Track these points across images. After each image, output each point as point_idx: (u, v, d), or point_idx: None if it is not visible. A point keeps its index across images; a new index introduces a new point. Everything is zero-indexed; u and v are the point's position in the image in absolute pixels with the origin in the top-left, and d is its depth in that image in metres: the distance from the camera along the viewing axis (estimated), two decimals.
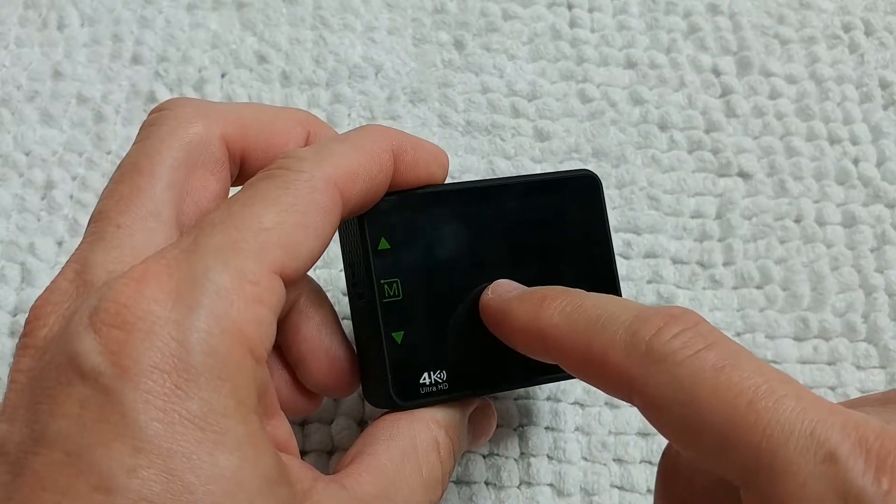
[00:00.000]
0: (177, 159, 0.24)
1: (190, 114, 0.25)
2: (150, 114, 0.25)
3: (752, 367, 0.20)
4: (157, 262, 0.20)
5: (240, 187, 0.23)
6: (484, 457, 0.33)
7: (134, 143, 0.24)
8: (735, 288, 0.38)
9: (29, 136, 0.39)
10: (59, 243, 0.37)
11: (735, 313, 0.37)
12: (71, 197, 0.38)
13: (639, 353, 0.21)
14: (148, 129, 0.24)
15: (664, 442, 0.23)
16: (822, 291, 0.37)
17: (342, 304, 0.35)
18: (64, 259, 0.32)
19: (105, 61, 0.41)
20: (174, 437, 0.18)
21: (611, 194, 0.39)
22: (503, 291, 0.26)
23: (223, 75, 0.41)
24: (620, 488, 0.33)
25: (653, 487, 0.30)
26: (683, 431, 0.20)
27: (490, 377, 0.27)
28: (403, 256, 0.26)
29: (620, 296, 0.29)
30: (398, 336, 0.26)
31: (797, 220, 0.39)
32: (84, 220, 0.36)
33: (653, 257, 0.38)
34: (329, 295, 0.28)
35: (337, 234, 0.26)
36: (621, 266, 0.37)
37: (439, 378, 0.26)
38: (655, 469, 0.29)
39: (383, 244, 0.26)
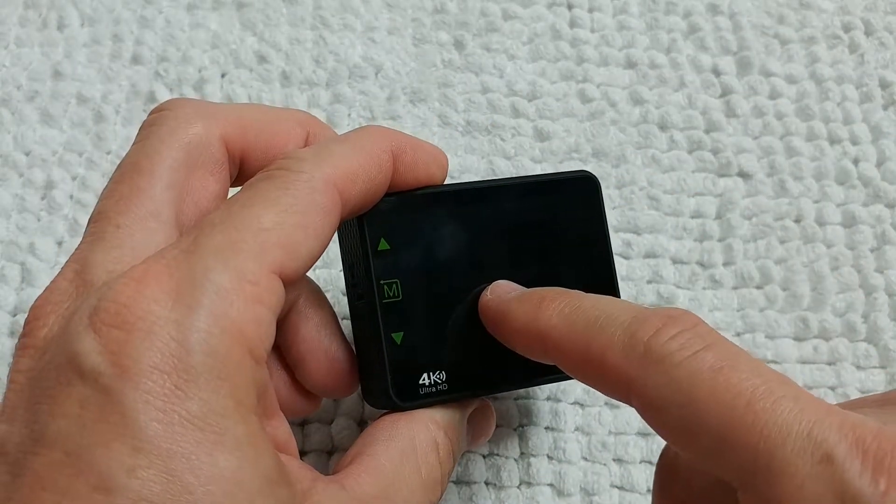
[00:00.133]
0: (176, 160, 0.24)
1: (190, 114, 0.25)
2: (149, 114, 0.25)
3: (750, 369, 0.20)
4: (157, 262, 0.20)
5: (239, 188, 0.23)
6: (484, 457, 0.33)
7: (134, 144, 0.24)
8: (735, 288, 0.38)
9: (29, 136, 0.39)
10: (59, 243, 0.37)
11: (735, 313, 0.37)
12: (71, 197, 0.38)
13: (637, 354, 0.21)
14: (148, 130, 0.25)
15: (664, 442, 0.23)
16: (822, 291, 0.37)
17: (342, 305, 0.35)
18: (64, 259, 0.32)
19: (105, 61, 0.41)
20: (174, 437, 0.18)
21: (611, 194, 0.39)
22: (502, 292, 0.26)
23: (223, 75, 0.41)
24: (620, 488, 0.33)
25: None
26: (681, 432, 0.20)
27: (489, 378, 0.27)
28: (403, 257, 0.26)
29: (619, 297, 0.29)
30: (398, 337, 0.26)
31: (797, 220, 0.39)
32: (84, 220, 0.36)
33: (653, 257, 0.38)
34: (329, 295, 0.28)
35: (336, 234, 0.26)
36: (621, 266, 0.37)
37: (438, 379, 0.26)
38: None
39: (383, 245, 0.26)
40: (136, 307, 0.19)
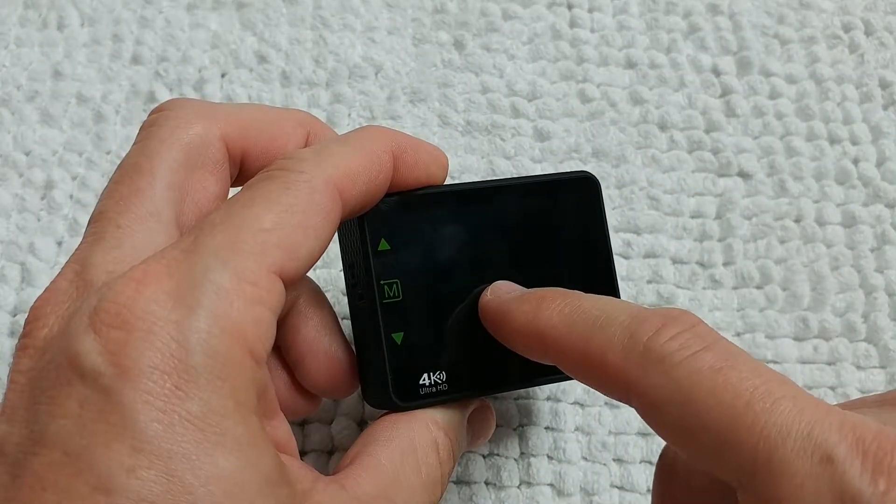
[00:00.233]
0: (177, 160, 0.24)
1: (190, 114, 0.25)
2: (149, 114, 0.25)
3: (749, 369, 0.20)
4: (157, 262, 0.20)
5: (239, 188, 0.23)
6: (484, 457, 0.33)
7: (134, 144, 0.24)
8: (735, 288, 0.38)
9: (29, 136, 0.39)
10: (59, 243, 0.37)
11: (735, 313, 0.37)
12: (71, 197, 0.38)
13: (636, 354, 0.21)
14: (148, 130, 0.25)
15: (664, 442, 0.23)
16: (822, 291, 0.37)
17: (342, 305, 0.35)
18: (64, 259, 0.32)
19: (105, 61, 0.41)
20: (174, 437, 0.18)
21: (611, 194, 0.39)
22: (502, 292, 0.26)
23: (223, 75, 0.41)
24: (620, 488, 0.33)
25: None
26: (681, 432, 0.20)
27: (489, 378, 0.27)
28: (403, 257, 0.26)
29: (619, 297, 0.29)
30: (398, 337, 0.26)
31: (797, 220, 0.39)
32: (84, 220, 0.36)
33: (653, 257, 0.38)
34: (329, 295, 0.28)
35: (336, 234, 0.26)
36: (621, 266, 0.37)
37: (439, 379, 0.26)
38: None
39: (383, 245, 0.26)
40: (136, 307, 0.19)
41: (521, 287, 0.27)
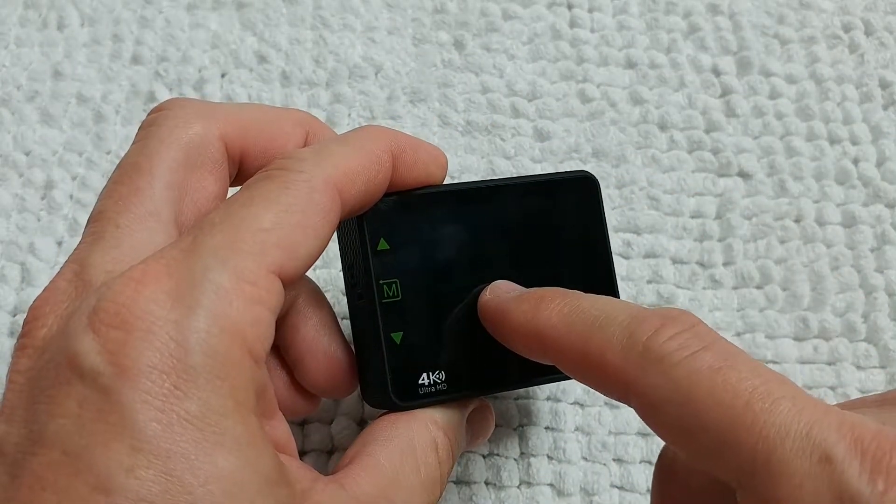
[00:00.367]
0: (176, 160, 0.24)
1: (189, 114, 0.25)
2: (149, 114, 0.25)
3: (748, 369, 0.20)
4: (156, 262, 0.20)
5: (239, 187, 0.23)
6: (484, 457, 0.33)
7: (133, 143, 0.24)
8: (735, 288, 0.38)
9: (29, 136, 0.39)
10: (59, 243, 0.37)
11: (735, 313, 0.37)
12: (71, 197, 0.38)
13: (636, 353, 0.21)
14: (147, 130, 0.25)
15: (664, 442, 0.23)
16: (822, 291, 0.37)
17: (342, 305, 0.35)
18: (64, 259, 0.32)
19: (105, 61, 0.41)
20: (173, 437, 0.18)
21: (611, 194, 0.39)
22: (501, 292, 0.26)
23: (223, 75, 0.41)
24: (620, 488, 0.33)
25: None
26: (680, 432, 0.20)
27: (489, 378, 0.27)
28: (402, 257, 0.26)
29: (619, 297, 0.29)
30: (397, 336, 0.26)
31: (797, 220, 0.39)
32: (84, 220, 0.35)
33: (653, 257, 0.38)
34: (329, 295, 0.28)
35: (336, 234, 0.26)
36: (621, 266, 0.37)
37: (438, 378, 0.26)
38: None
39: (382, 245, 0.26)
40: (136, 307, 0.19)
41: (520, 287, 0.27)
